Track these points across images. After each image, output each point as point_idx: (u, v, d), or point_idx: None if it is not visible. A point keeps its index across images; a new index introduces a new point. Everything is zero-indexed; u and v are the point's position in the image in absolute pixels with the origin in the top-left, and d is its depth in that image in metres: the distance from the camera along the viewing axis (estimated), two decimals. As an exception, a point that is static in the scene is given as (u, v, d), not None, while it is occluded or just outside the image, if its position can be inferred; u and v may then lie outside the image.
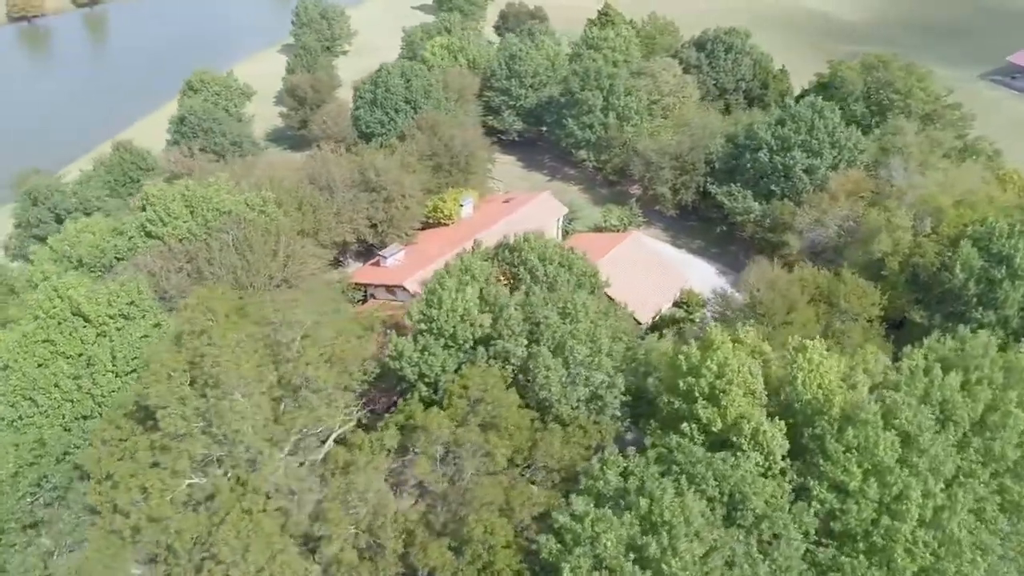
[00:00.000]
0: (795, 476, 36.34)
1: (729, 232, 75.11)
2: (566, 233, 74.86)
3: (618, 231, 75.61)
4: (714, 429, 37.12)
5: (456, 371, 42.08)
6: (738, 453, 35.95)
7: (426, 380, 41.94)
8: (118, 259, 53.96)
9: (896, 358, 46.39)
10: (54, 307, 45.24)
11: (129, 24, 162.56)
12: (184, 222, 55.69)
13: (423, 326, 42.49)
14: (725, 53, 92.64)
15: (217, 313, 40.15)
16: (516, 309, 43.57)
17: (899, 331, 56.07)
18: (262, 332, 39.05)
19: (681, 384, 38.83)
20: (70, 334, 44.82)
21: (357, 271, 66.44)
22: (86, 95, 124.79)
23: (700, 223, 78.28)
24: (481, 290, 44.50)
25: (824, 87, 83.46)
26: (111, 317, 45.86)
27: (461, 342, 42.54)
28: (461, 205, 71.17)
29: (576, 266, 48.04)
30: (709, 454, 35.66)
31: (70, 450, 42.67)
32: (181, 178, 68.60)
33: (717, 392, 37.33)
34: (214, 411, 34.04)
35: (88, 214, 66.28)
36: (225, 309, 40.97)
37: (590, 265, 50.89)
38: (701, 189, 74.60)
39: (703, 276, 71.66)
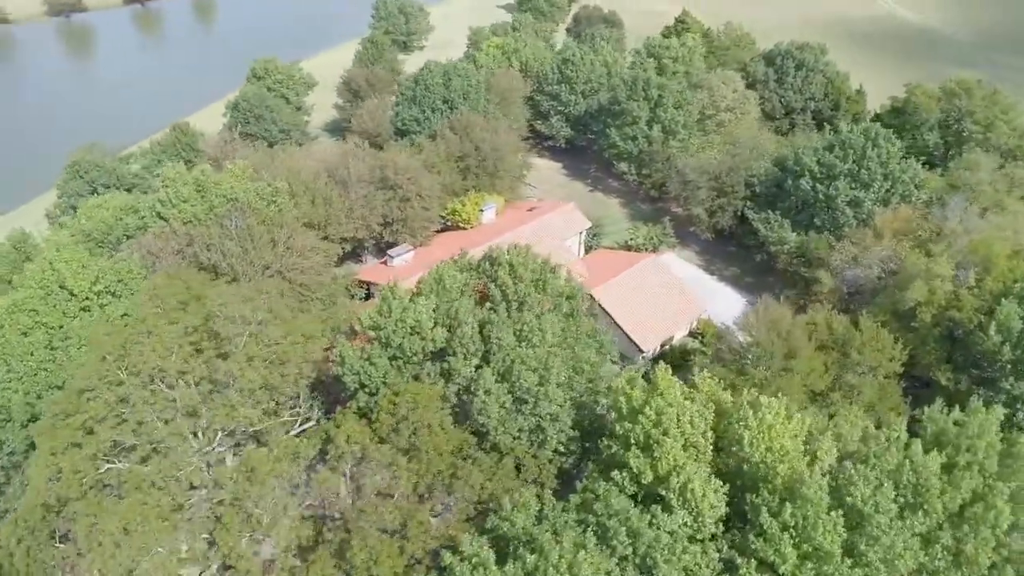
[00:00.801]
0: (727, 546, 32.65)
1: (767, 262, 69.69)
2: (589, 248, 71.87)
3: (645, 251, 71.92)
4: (643, 481, 33.91)
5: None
6: (666, 510, 32.69)
7: (367, 390, 40.70)
8: (127, 237, 55.82)
9: (914, 421, 41.36)
10: (44, 278, 47.15)
11: (236, 9, 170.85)
12: (192, 206, 56.95)
13: (372, 333, 41.27)
14: (795, 70, 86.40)
15: (166, 301, 40.47)
16: (472, 326, 41.65)
17: (927, 390, 50.14)
18: (207, 325, 39.01)
19: (618, 428, 35.77)
20: (53, 306, 46.55)
21: (364, 269, 66.18)
22: (180, 74, 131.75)
23: (739, 250, 73.18)
24: (438, 303, 42.78)
25: (897, 112, 76.33)
26: (96, 293, 47.33)
27: (409, 355, 41.02)
28: (481, 210, 69.56)
29: (552, 286, 45.34)
30: (629, 508, 32.57)
31: (35, 417, 44.26)
32: (217, 161, 70.86)
33: (652, 441, 34.06)
34: (130, 399, 34.11)
35: (128, 190, 69.18)
36: (178, 298, 41.28)
37: (571, 286, 48.01)
38: (739, 213, 69.65)
39: (731, 307, 66.87)
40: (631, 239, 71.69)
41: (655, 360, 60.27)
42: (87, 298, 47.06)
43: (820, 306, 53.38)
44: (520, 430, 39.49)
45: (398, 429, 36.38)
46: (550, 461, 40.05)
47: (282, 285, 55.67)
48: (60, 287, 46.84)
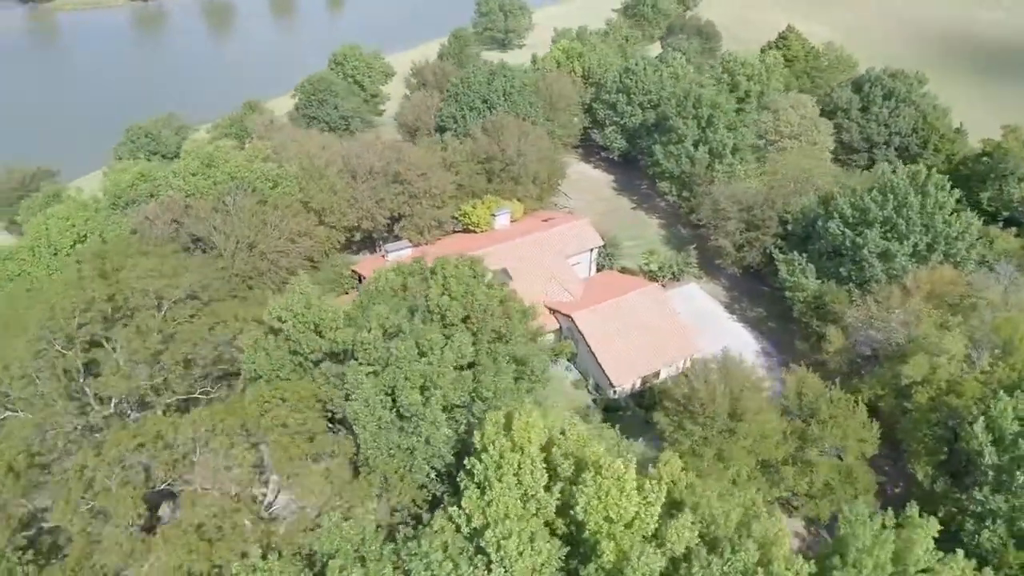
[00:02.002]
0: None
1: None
2: (601, 268, 68.01)
3: (662, 279, 67.13)
4: (473, 524, 31.22)
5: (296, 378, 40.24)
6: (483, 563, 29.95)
7: (264, 378, 40.54)
8: (134, 202, 59.28)
9: (886, 506, 35.55)
10: (37, 232, 51.11)
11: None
12: (198, 179, 59.53)
13: (276, 324, 41.04)
14: (883, 99, 77.18)
15: (107, 263, 42.33)
16: (376, 334, 40.38)
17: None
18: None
19: (467, 463, 33.17)
20: (39, 258, 50.31)
21: (363, 261, 66.33)
22: (301, 53, 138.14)
23: (770, 291, 66.50)
24: (352, 306, 41.90)
25: (984, 158, 66.14)
26: (71, 245, 50.59)
27: (307, 352, 40.44)
28: (493, 215, 67.73)
29: (478, 304, 42.97)
30: (435, 554, 30.10)
31: None
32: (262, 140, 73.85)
33: (487, 483, 31.27)
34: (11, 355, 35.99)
35: (171, 159, 73.63)
36: (116, 263, 43.08)
37: (512, 307, 45.36)
38: (768, 251, 63.16)
39: (740, 351, 60.61)
40: (645, 264, 67.12)
41: (635, 396, 56.24)
42: (67, 254, 50.38)
43: (801, 367, 47.33)
44: (398, 447, 37.77)
45: (259, 422, 35.91)
46: (423, 487, 38.09)
47: (262, 265, 57.32)
48: (47, 242, 50.48)
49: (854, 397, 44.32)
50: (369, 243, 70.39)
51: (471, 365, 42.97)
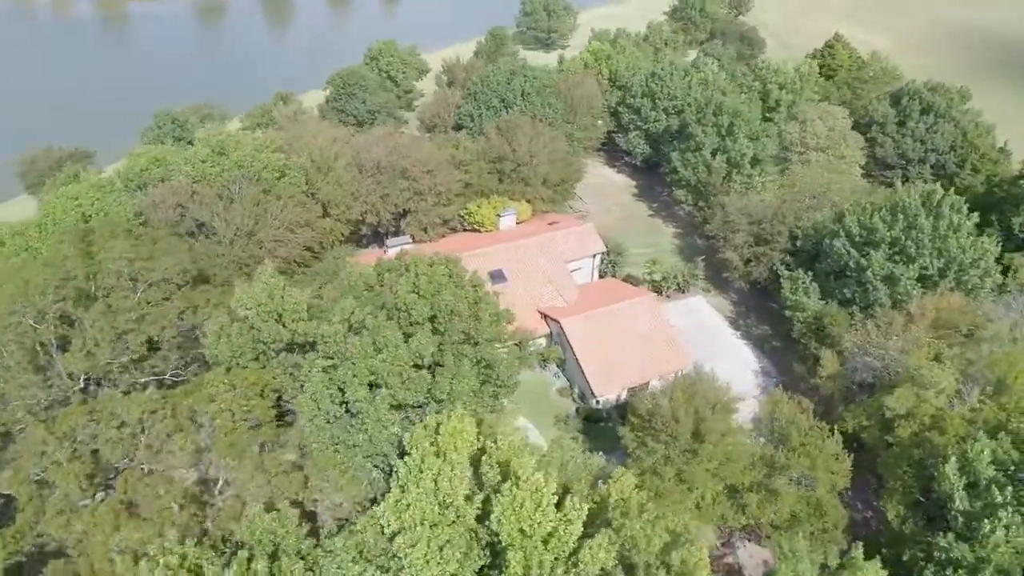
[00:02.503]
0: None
1: (803, 328, 60.18)
2: (603, 274, 66.66)
3: (666, 289, 65.43)
4: (391, 526, 30.86)
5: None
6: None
7: (225, 365, 41.17)
8: (145, 184, 61.12)
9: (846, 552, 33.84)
10: (46, 210, 53.33)
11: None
12: (211, 166, 61.00)
13: (242, 312, 41.59)
14: (920, 114, 73.23)
15: (93, 242, 43.79)
16: (337, 328, 40.51)
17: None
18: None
19: (395, 465, 32.82)
20: (45, 235, 52.46)
21: (364, 254, 66.71)
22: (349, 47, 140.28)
23: (777, 308, 63.75)
24: (316, 298, 42.13)
25: (1021, 180, 61.96)
26: (75, 223, 52.52)
27: (269, 341, 40.84)
28: (498, 215, 67.22)
29: (445, 304, 42.51)
30: (360, 553, 29.94)
31: None
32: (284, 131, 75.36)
33: (405, 486, 30.89)
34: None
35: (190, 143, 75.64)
36: (101, 242, 44.46)
37: (484, 309, 44.76)
38: (774, 267, 60.68)
39: (737, 369, 58.94)
40: (648, 273, 65.47)
41: (619, 408, 54.86)
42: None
43: (779, 390, 45.19)
44: (342, 443, 37.75)
45: (207, 407, 36.46)
46: (368, 484, 37.96)
47: (260, 252, 58.30)
48: (54, 219, 52.60)
49: (830, 427, 42.14)
50: (378, 237, 70.92)
51: (438, 365, 42.77)
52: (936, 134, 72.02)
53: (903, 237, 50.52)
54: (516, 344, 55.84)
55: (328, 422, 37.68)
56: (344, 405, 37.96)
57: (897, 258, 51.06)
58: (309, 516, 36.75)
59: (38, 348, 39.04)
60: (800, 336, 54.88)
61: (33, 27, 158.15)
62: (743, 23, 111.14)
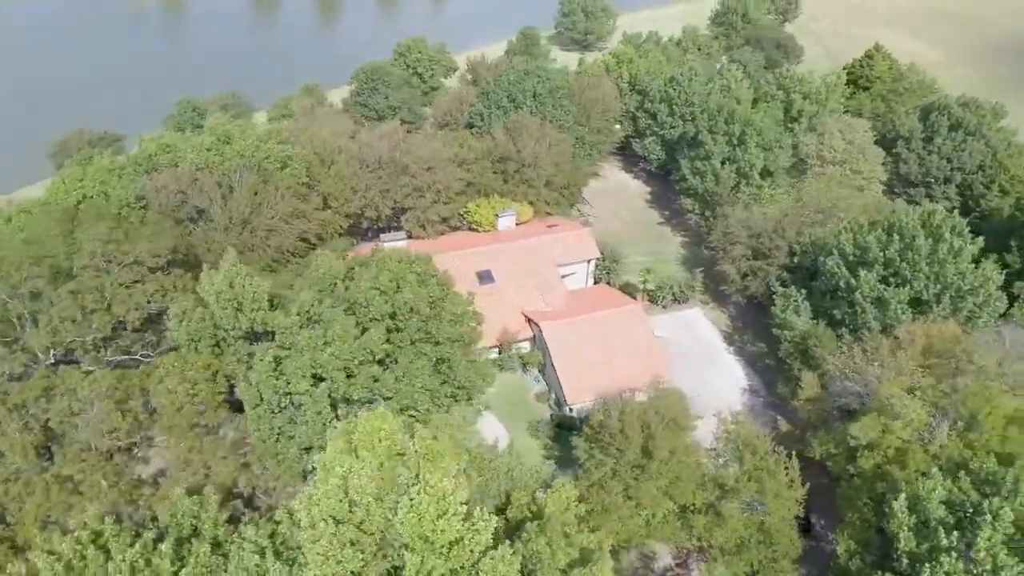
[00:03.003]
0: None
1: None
2: (597, 280, 65.58)
3: (662, 300, 63.99)
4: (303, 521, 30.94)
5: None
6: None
7: (184, 350, 42.08)
8: (154, 169, 62.98)
9: None
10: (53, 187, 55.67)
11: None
12: (215, 155, 62.51)
13: (206, 298, 42.41)
14: (949, 130, 69.63)
15: (81, 223, 45.43)
16: (295, 318, 41.03)
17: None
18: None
19: (314, 460, 32.87)
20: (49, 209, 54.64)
21: (360, 247, 67.19)
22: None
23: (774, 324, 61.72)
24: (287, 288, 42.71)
25: (1045, 205, 58.32)
26: (76, 204, 54.63)
27: (227, 328, 41.55)
28: (496, 215, 66.89)
29: (404, 302, 42.49)
30: (272, 543, 30.19)
31: None
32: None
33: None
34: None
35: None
36: (88, 224, 46.04)
37: (447, 309, 44.61)
38: (770, 282, 58.59)
39: (724, 386, 57.39)
40: (642, 282, 64.14)
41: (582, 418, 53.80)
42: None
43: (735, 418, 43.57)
44: (280, 433, 38.13)
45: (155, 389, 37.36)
46: (305, 475, 38.23)
47: (253, 240, 59.49)
48: (56, 200, 54.79)
49: (799, 453, 40.48)
50: (382, 231, 71.37)
51: (395, 363, 42.92)
52: (964, 152, 68.35)
53: (898, 259, 48.08)
54: (498, 346, 55.77)
55: (272, 412, 38.10)
56: (289, 396, 38.34)
57: (891, 280, 48.64)
58: (247, 502, 37.34)
59: (14, 321, 40.60)
60: (786, 356, 52.90)
61: (101, 15, 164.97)
62: (782, 30, 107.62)
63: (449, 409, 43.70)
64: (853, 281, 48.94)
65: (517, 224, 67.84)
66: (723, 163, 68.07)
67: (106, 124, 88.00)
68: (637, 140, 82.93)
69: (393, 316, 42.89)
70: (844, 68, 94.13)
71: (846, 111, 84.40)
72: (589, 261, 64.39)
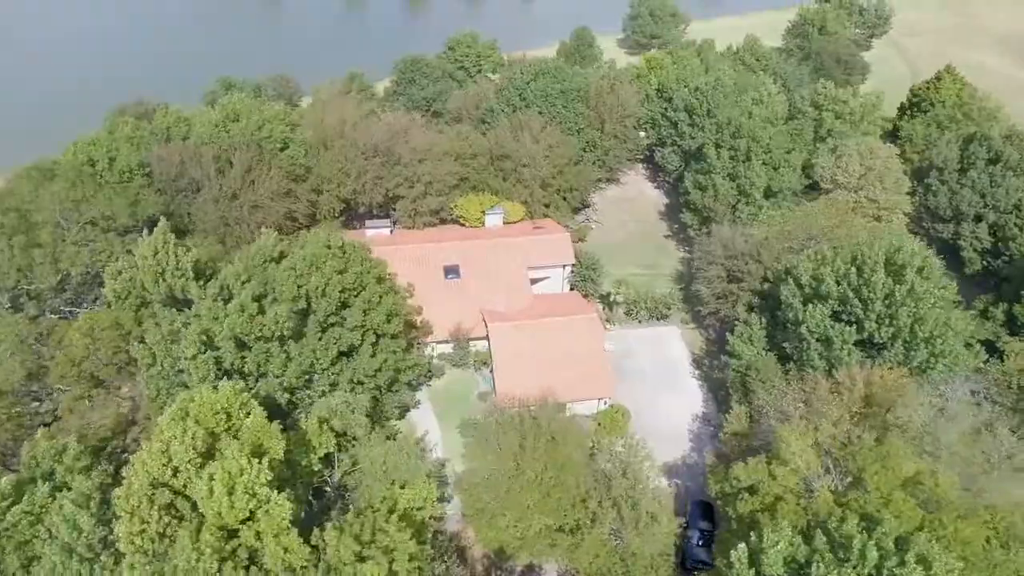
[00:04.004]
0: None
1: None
2: (573, 287, 64.09)
3: (635, 314, 61.92)
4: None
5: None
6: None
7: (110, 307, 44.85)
8: (167, 140, 67.21)
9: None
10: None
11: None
12: (221, 130, 66.02)
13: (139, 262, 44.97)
14: (987, 164, 63.07)
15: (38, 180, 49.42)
16: (209, 290, 42.97)
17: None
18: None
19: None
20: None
21: (350, 233, 68.33)
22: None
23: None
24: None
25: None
26: (81, 165, 59.17)
27: (150, 292, 43.92)
28: (483, 212, 66.76)
29: (315, 284, 43.38)
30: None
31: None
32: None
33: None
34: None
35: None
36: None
37: (363, 297, 45.17)
38: (747, 306, 55.28)
39: (679, 409, 55.07)
40: (615, 293, 62.19)
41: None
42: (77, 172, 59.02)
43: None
44: (170, 397, 39.94)
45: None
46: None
47: (239, 215, 62.33)
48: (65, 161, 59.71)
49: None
50: (378, 218, 72.65)
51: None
52: (999, 188, 61.68)
53: (851, 295, 44.22)
54: (449, 341, 56.01)
55: (164, 375, 40.08)
56: (178, 361, 40.18)
57: (844, 317, 44.85)
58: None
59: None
60: (730, 385, 49.93)
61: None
62: (849, 45, 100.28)
63: (355, 394, 44.25)
64: (801, 314, 45.46)
65: (505, 223, 67.48)
66: (726, 179, 64.78)
67: (173, 97, 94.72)
68: (659, 149, 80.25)
69: (308, 299, 43.95)
70: (910, 89, 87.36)
71: (894, 135, 78.42)
72: (565, 267, 63.12)
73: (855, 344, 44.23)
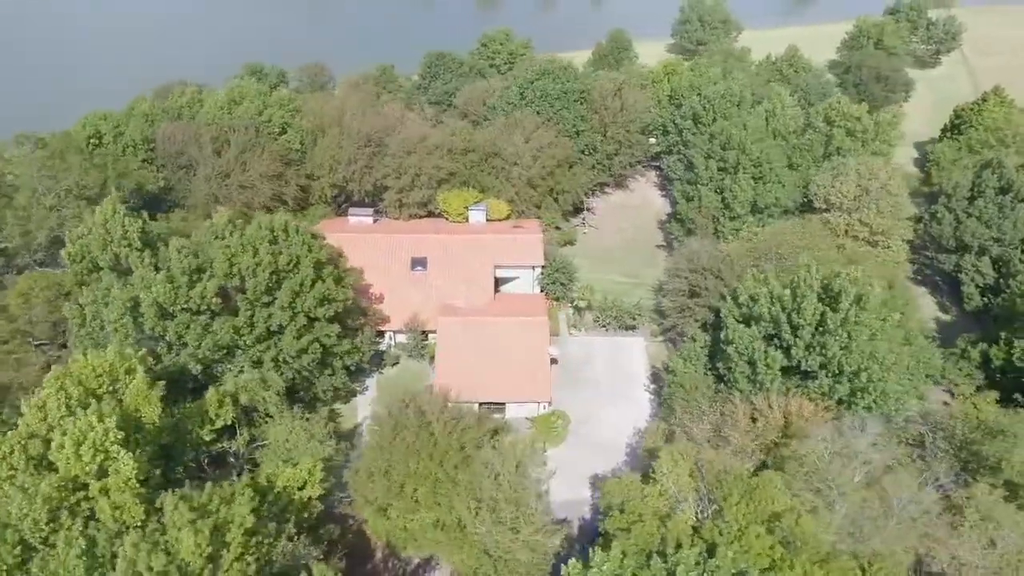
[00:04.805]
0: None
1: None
2: (543, 289, 63.44)
3: (603, 322, 60.90)
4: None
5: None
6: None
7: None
8: (179, 116, 70.87)
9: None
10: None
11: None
12: (225, 113, 69.14)
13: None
14: (997, 193, 58.48)
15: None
16: (148, 259, 45.28)
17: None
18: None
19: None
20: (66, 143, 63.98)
21: (328, 220, 69.73)
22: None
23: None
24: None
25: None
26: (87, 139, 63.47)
27: (98, 256, 46.40)
28: (466, 207, 67.10)
29: (244, 263, 44.81)
30: None
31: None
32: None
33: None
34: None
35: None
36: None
37: (292, 279, 46.40)
38: (700, 322, 53.46)
39: (622, 420, 53.86)
40: (580, 299, 61.23)
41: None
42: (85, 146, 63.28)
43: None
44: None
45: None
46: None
47: (227, 192, 65.04)
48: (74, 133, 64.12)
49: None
50: (371, 205, 73.99)
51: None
52: (1006, 219, 57.06)
53: (783, 320, 42.09)
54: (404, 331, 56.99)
55: (91, 335, 42.50)
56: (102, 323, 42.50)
57: (776, 342, 42.75)
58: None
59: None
60: (663, 401, 48.47)
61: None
62: (892, 61, 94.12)
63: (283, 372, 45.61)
64: (731, 334, 43.64)
65: (489, 220, 67.61)
66: (714, 190, 62.71)
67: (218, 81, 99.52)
68: (667, 156, 78.31)
69: (242, 277, 45.55)
70: (953, 110, 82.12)
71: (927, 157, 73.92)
72: (534, 268, 62.62)
73: (787, 370, 42.11)
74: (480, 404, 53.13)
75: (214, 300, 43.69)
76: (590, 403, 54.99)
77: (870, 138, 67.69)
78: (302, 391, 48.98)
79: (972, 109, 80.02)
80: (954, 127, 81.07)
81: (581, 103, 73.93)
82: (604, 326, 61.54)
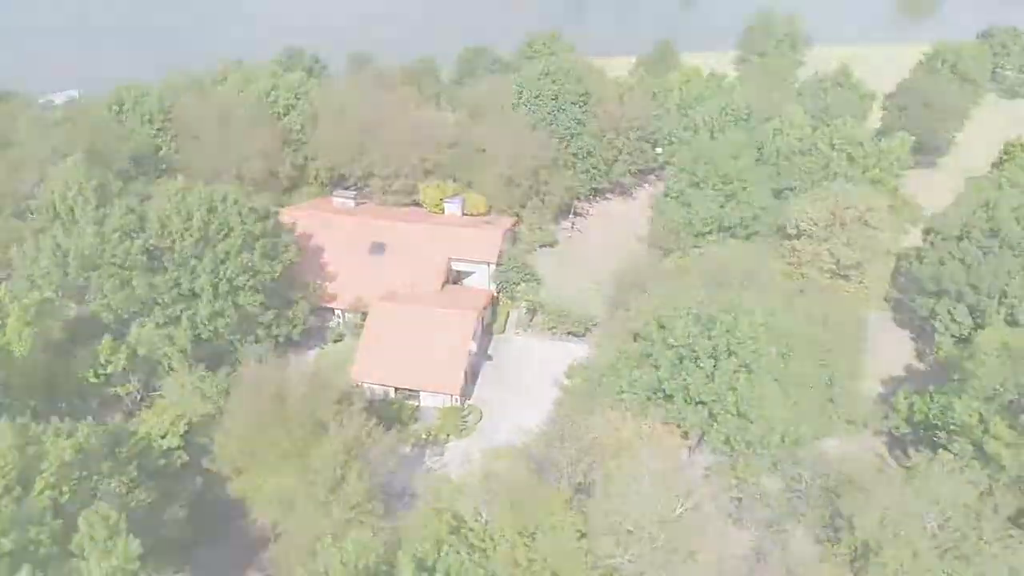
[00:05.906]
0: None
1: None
2: (500, 289, 63.60)
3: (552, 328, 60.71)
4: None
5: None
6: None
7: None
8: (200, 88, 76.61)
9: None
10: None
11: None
12: (238, 92, 74.03)
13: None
14: (984, 236, 53.14)
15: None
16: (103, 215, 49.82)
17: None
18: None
19: None
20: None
21: (314, 200, 72.73)
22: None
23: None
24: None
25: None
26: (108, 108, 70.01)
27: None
28: (441, 200, 68.40)
29: (175, 224, 48.33)
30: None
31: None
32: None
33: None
34: None
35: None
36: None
37: (226, 242, 49.45)
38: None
39: (526, 422, 53.40)
40: (523, 299, 61.03)
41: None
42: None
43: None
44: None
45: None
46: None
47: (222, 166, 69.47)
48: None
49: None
50: (362, 189, 76.26)
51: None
52: (984, 266, 51.75)
53: (658, 339, 40.66)
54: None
55: (32, 282, 47.26)
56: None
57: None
58: None
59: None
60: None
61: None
62: (953, 91, 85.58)
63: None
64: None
65: (465, 214, 68.62)
66: (681, 204, 60.75)
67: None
68: (669, 167, 76.10)
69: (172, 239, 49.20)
70: (1004, 143, 75.15)
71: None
72: (488, 264, 62.97)
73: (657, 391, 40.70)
74: (396, 389, 54.81)
75: (139, 258, 47.45)
76: (507, 403, 55.07)
77: (871, 164, 63.06)
78: (226, 355, 51.99)
79: (1020, 145, 72.77)
80: (1002, 162, 74.05)
81: (580, 106, 73.24)
82: (551, 329, 61.11)
